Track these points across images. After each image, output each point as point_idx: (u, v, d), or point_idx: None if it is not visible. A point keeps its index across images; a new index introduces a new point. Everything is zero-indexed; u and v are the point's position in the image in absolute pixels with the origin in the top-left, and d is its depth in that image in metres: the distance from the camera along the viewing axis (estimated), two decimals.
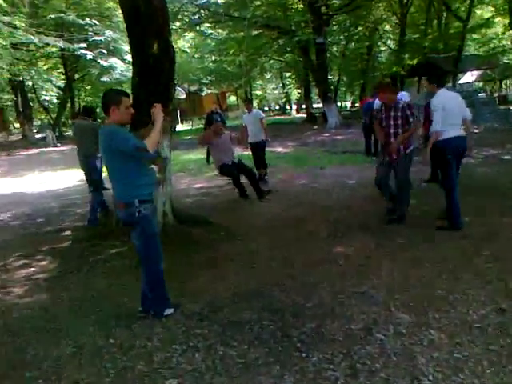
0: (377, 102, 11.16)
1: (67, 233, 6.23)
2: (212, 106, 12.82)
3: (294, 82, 41.10)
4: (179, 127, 32.35)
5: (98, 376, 2.80)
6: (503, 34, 29.51)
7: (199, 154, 14.26)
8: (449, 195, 5.04)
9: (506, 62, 31.19)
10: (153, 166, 5.09)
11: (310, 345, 2.95)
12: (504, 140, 11.75)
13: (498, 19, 27.15)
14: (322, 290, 3.77)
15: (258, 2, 20.56)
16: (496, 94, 31.18)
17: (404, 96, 11.30)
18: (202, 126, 29.90)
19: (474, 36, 30.07)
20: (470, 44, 31.04)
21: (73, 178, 11.62)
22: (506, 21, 27.47)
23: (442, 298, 3.46)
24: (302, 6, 22.08)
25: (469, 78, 34.08)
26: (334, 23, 24.20)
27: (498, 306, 3.24)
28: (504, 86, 39.27)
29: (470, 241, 4.65)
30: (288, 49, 23.24)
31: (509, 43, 30.52)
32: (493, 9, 27.68)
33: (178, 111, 36.40)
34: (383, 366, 2.67)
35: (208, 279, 4.24)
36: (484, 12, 30.42)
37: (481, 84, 37.42)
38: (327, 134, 18.04)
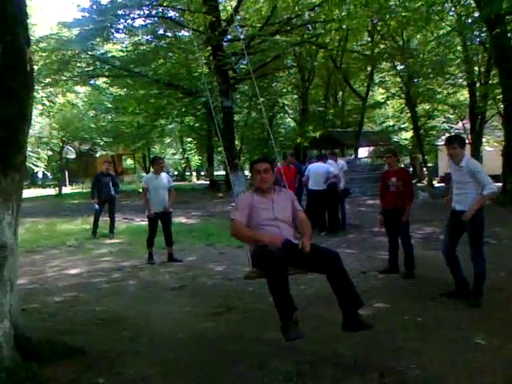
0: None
1: None
2: (102, 167, 10.34)
3: (195, 147, 39.93)
4: (66, 190, 29.02)
5: None
6: (394, 115, 31.57)
7: (84, 224, 11.66)
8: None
9: (396, 140, 33.26)
10: None
11: None
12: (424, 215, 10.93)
13: (390, 101, 28.81)
14: None
15: (162, 60, 19.14)
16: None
17: (333, 166, 9.45)
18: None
19: (371, 114, 31.70)
20: (365, 121, 32.54)
21: None
22: (396, 104, 29.43)
23: None
24: (207, 69, 21.15)
25: (362, 153, 35.62)
26: (237, 92, 23.50)
27: None
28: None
29: None
30: (191, 111, 21.94)
31: (399, 123, 32.75)
32: (384, 91, 29.44)
33: (67, 172, 33.08)
34: None
35: None
36: (376, 94, 32.46)
37: (368, 160, 39.20)
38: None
